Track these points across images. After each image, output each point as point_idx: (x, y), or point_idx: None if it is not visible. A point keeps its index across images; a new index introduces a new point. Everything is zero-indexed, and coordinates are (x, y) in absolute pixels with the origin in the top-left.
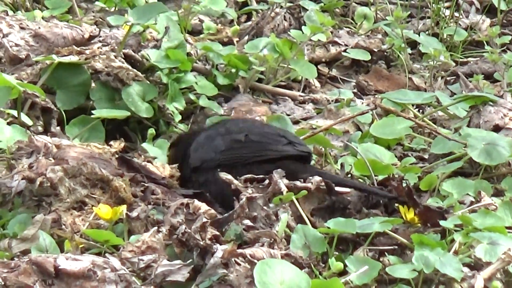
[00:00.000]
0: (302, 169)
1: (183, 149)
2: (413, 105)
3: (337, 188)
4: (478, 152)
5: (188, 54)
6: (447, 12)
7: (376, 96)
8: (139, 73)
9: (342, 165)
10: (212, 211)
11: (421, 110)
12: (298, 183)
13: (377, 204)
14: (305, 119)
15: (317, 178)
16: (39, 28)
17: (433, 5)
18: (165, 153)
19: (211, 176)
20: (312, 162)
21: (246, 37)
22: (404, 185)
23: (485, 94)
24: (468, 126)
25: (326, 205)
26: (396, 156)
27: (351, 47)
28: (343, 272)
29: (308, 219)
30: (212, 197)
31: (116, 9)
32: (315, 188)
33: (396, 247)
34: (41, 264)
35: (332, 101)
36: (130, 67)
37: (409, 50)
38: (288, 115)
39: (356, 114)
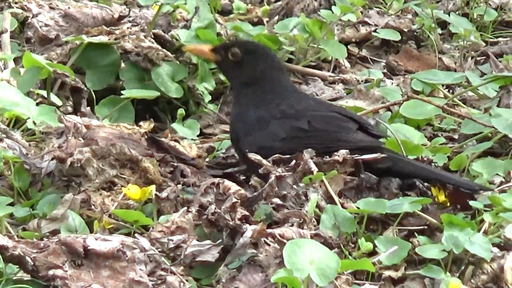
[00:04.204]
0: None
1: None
2: (443, 85)
3: (365, 156)
4: (504, 126)
5: (218, 34)
6: None
7: (406, 76)
8: (169, 53)
9: None
10: (242, 191)
11: (451, 91)
12: (325, 158)
13: (413, 186)
14: (335, 99)
15: (343, 151)
16: (69, 8)
17: None
18: (195, 134)
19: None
20: None
21: (276, 17)
22: (433, 165)
23: None
24: (498, 106)
25: (355, 184)
26: (426, 137)
27: (381, 27)
28: (373, 253)
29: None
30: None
31: None
32: (342, 162)
33: (425, 227)
34: (70, 244)
35: (362, 81)
36: (160, 47)
37: (439, 30)
38: (318, 95)
39: (389, 104)
